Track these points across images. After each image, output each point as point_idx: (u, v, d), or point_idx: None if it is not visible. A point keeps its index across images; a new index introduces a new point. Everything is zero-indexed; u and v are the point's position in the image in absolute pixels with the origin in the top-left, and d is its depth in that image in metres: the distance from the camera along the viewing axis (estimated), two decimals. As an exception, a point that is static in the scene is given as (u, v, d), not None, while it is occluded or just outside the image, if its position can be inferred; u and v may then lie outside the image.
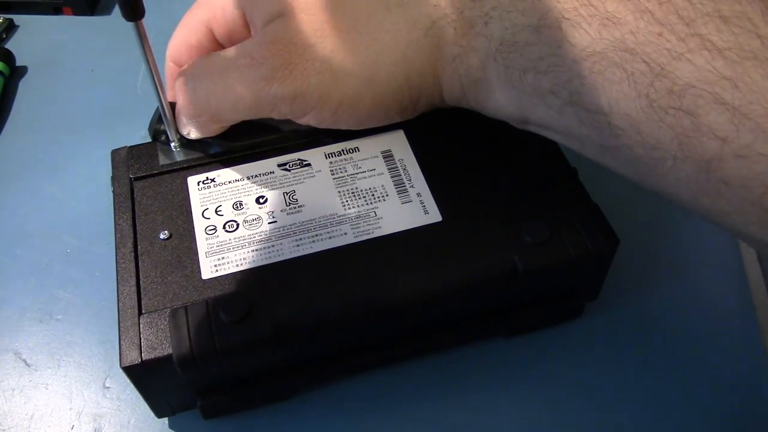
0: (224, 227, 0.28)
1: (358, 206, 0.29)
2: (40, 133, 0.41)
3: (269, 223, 0.28)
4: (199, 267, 0.27)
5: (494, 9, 0.25)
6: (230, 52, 0.27)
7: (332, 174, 0.30)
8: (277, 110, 0.27)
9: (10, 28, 0.48)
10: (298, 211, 0.28)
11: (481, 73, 0.27)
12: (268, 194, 0.29)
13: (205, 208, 0.29)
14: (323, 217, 0.28)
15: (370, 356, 0.29)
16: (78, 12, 0.49)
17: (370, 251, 0.27)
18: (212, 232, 0.28)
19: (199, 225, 0.28)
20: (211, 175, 0.30)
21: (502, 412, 0.29)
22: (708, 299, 0.32)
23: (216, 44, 0.30)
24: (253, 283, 0.26)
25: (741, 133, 0.21)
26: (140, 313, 0.25)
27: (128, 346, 0.25)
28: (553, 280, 0.28)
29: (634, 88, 0.22)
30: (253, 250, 0.27)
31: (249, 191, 0.29)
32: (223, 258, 0.27)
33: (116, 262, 0.27)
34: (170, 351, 0.24)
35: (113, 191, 0.30)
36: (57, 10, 0.49)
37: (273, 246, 0.27)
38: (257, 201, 0.29)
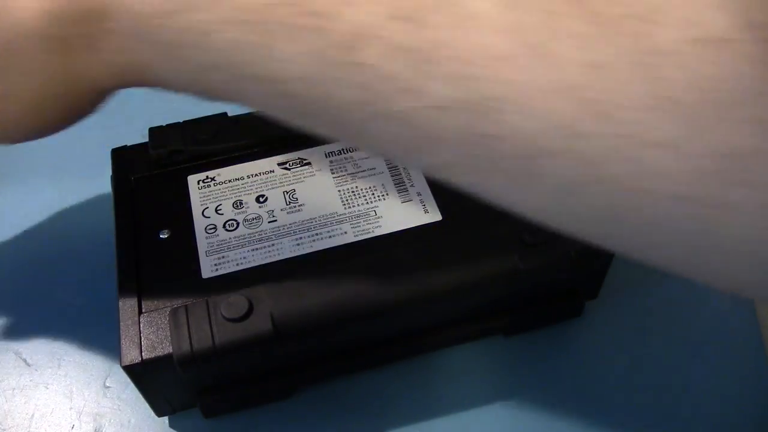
0: (224, 226, 0.28)
1: (358, 205, 0.29)
2: (40, 133, 0.41)
3: (269, 222, 0.28)
4: (199, 266, 0.27)
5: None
6: None
7: (332, 173, 0.30)
8: None
9: (10, 28, 0.48)
10: (299, 210, 0.28)
11: (130, 54, 0.24)
12: (268, 193, 0.29)
13: (205, 207, 0.29)
14: (323, 216, 0.28)
15: (370, 355, 0.29)
16: (78, 12, 0.49)
17: (370, 250, 0.27)
18: (212, 231, 0.28)
19: (199, 224, 0.28)
20: (211, 174, 0.30)
21: (502, 411, 0.29)
22: (708, 299, 0.32)
23: None
24: (253, 282, 0.26)
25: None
26: (140, 313, 0.25)
27: (129, 345, 0.25)
28: (552, 279, 0.28)
29: (304, 46, 0.20)
30: (253, 249, 0.27)
31: (249, 190, 0.29)
32: (223, 257, 0.27)
33: (116, 261, 0.27)
34: (170, 350, 0.24)
35: (113, 190, 0.30)
36: (57, 11, 0.49)
37: (273, 245, 0.27)
38: (257, 200, 0.29)
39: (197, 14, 0.21)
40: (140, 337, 0.25)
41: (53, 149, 0.40)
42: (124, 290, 0.26)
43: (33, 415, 0.29)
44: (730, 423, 0.29)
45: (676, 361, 0.30)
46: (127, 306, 0.26)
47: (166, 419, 0.29)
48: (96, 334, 0.32)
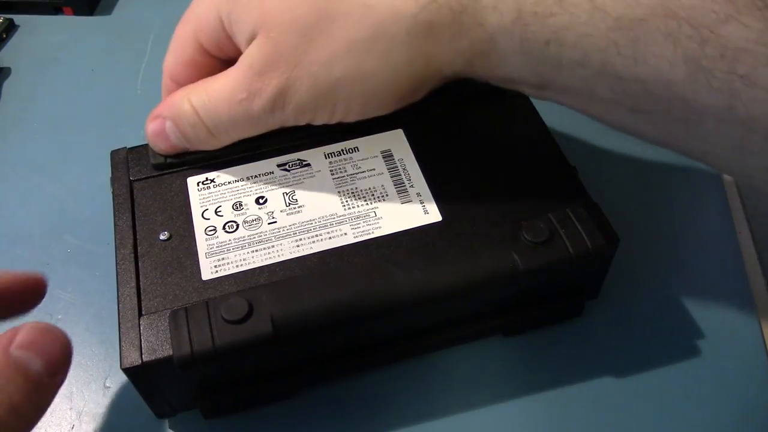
0: (224, 228, 0.28)
1: (357, 206, 0.29)
2: (40, 132, 0.41)
3: (269, 223, 0.28)
4: (199, 268, 0.27)
5: None
6: (225, 85, 0.28)
7: (332, 174, 0.30)
8: (283, 126, 0.29)
9: (10, 28, 0.48)
10: (298, 212, 0.28)
11: (491, 44, 0.26)
12: (268, 194, 0.29)
13: (204, 208, 0.29)
14: (323, 217, 0.28)
15: (370, 356, 0.29)
16: (78, 12, 0.49)
17: (370, 251, 0.27)
18: (212, 232, 0.28)
19: (198, 226, 0.28)
20: (210, 175, 0.30)
21: (502, 411, 0.29)
22: (708, 299, 0.32)
23: (207, 56, 0.30)
24: (253, 283, 0.26)
25: None
26: (140, 314, 0.25)
27: (128, 347, 0.25)
28: (553, 279, 0.28)
29: (680, 55, 0.22)
30: (253, 251, 0.27)
31: (249, 192, 0.29)
32: (223, 259, 0.27)
33: (116, 263, 0.27)
34: (170, 352, 0.24)
35: (113, 192, 0.30)
36: (57, 10, 0.49)
37: (273, 246, 0.27)
38: (257, 201, 0.29)
39: (573, 20, 0.24)
40: (140, 339, 0.25)
41: (53, 149, 0.40)
42: (124, 291, 0.26)
43: (33, 416, 0.29)
44: (731, 423, 0.29)
45: (677, 362, 0.30)
46: (127, 308, 0.26)
47: (165, 420, 0.29)
48: (96, 335, 0.32)
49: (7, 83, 0.44)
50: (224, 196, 0.29)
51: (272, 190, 0.29)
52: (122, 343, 0.25)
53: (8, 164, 0.40)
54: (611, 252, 0.28)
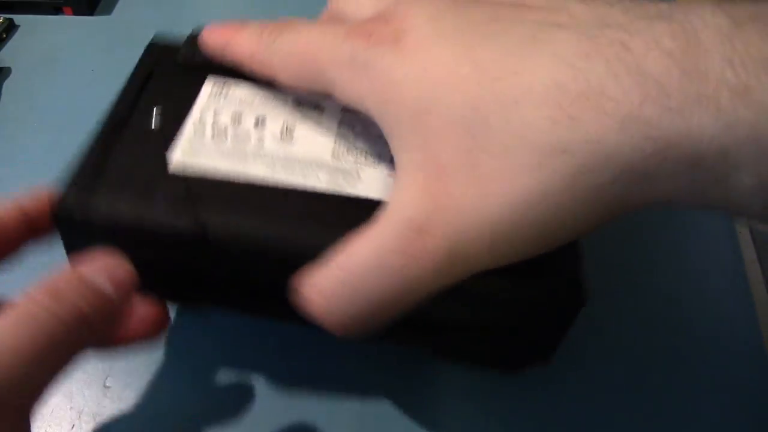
0: (212, 134, 0.28)
1: (345, 161, 0.28)
2: (39, 133, 0.41)
3: (256, 142, 0.28)
4: (171, 161, 0.27)
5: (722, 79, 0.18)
6: (370, 251, 0.22)
7: (338, 126, 0.29)
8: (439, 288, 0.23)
9: (10, 28, 0.48)
10: (289, 144, 0.28)
11: (719, 166, 0.19)
12: (270, 119, 0.29)
13: (206, 110, 0.28)
14: (308, 157, 0.28)
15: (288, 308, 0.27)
16: (78, 12, 0.49)
17: (335, 206, 0.26)
18: (200, 135, 0.28)
19: (190, 124, 0.28)
20: (228, 83, 0.30)
21: (500, 413, 0.29)
22: (708, 299, 0.32)
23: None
24: (209, 190, 0.26)
25: None
26: (99, 176, 0.26)
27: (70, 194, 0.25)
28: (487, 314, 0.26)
29: None
30: (227, 162, 0.27)
31: (253, 110, 0.29)
32: (197, 160, 0.27)
33: (99, 131, 0.27)
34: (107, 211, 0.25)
35: (130, 75, 0.30)
36: (57, 10, 0.49)
37: (247, 163, 0.27)
38: (255, 121, 0.29)
39: None
40: (86, 193, 0.25)
41: (53, 149, 0.40)
42: (91, 151, 0.27)
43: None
44: (731, 423, 0.29)
45: (676, 362, 0.30)
46: (88, 164, 0.26)
47: (166, 420, 0.29)
48: (96, 334, 0.32)
49: (7, 83, 0.44)
50: (230, 105, 0.29)
51: (276, 116, 0.29)
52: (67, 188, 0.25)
53: (8, 164, 0.40)
54: (573, 312, 0.26)
